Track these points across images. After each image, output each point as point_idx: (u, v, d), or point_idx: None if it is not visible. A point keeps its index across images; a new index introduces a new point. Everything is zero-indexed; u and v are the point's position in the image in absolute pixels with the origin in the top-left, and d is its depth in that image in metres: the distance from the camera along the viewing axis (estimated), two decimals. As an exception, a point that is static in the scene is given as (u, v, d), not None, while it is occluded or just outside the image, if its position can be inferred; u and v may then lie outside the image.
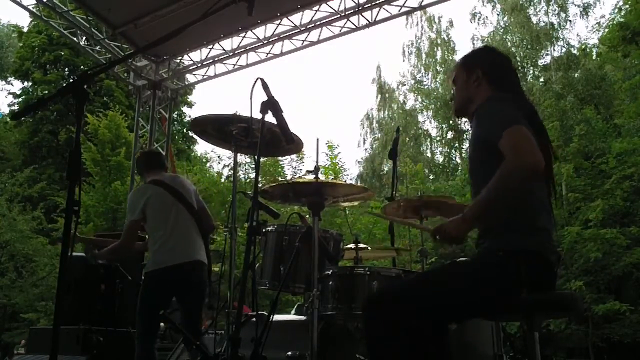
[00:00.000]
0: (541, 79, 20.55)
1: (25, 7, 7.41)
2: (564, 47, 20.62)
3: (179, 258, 3.34)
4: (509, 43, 21.94)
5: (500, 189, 1.87)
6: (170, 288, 3.39)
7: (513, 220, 1.99)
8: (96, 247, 3.71)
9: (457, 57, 21.65)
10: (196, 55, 8.56)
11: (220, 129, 2.88)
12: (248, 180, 18.31)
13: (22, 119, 22.22)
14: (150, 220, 3.43)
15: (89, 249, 3.68)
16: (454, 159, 23.78)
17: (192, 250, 3.42)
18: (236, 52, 8.23)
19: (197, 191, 3.76)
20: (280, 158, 18.58)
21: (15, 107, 24.69)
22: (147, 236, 3.63)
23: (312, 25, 7.64)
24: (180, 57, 8.67)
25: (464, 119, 2.63)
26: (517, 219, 2.00)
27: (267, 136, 2.51)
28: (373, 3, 7.18)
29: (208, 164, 24.41)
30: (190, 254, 3.39)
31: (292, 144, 2.56)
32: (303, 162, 18.36)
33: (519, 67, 21.98)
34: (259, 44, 8.05)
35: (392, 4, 7.17)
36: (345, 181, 18.73)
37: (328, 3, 7.37)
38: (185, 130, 24.40)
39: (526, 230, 1.98)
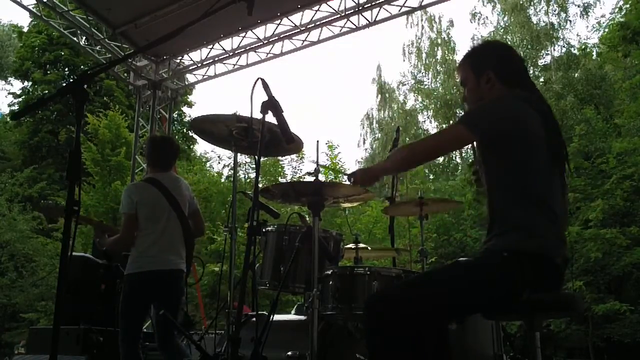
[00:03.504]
0: (541, 79, 20.53)
1: (25, 7, 7.41)
2: (564, 47, 20.64)
3: (161, 265, 3.35)
4: (509, 43, 21.92)
5: (399, 161, 2.24)
6: (149, 293, 3.38)
7: (519, 219, 1.97)
8: (106, 233, 3.66)
9: (458, 57, 21.65)
10: (196, 55, 8.56)
11: (221, 128, 2.88)
12: (248, 180, 18.31)
13: (22, 119, 22.23)
14: (141, 219, 3.41)
15: (98, 233, 3.63)
16: (454, 159, 23.76)
17: (175, 258, 3.42)
18: (236, 52, 8.23)
19: (193, 196, 3.73)
20: (280, 158, 18.58)
21: (15, 107, 24.67)
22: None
23: (312, 25, 7.64)
24: (180, 57, 8.67)
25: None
26: (523, 218, 1.97)
27: (267, 136, 2.51)
28: (373, 3, 7.17)
29: (208, 164, 24.39)
30: (172, 263, 3.39)
31: (293, 144, 2.56)
32: (303, 162, 18.38)
33: (519, 67, 22.01)
34: (259, 44, 8.04)
35: (392, 3, 7.16)
36: (346, 181, 18.74)
37: (328, 3, 7.36)
38: (185, 130, 24.39)
39: (533, 231, 1.95)
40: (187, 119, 25.48)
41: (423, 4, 7.14)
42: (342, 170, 19.11)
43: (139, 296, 3.38)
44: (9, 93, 31.48)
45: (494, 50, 2.32)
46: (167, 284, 3.37)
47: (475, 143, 2.17)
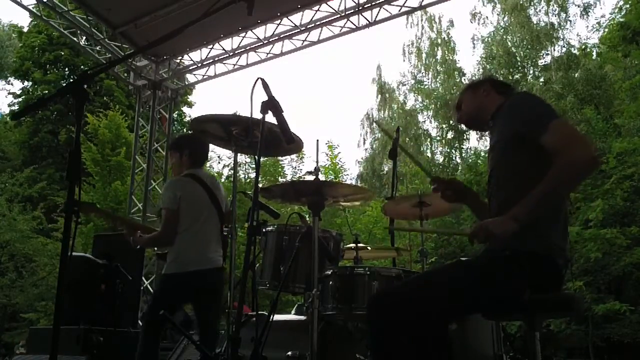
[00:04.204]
0: (541, 79, 20.54)
1: (25, 7, 7.41)
2: (564, 47, 20.64)
3: (203, 264, 3.28)
4: (509, 43, 21.94)
5: (559, 182, 1.80)
6: (190, 293, 3.33)
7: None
8: (137, 230, 3.56)
9: (458, 57, 21.70)
10: (196, 55, 8.57)
11: (221, 129, 2.87)
12: (248, 180, 18.31)
13: (22, 119, 22.22)
14: (183, 216, 3.32)
15: (130, 231, 3.52)
16: (454, 159, 23.76)
17: (215, 256, 3.37)
18: (236, 52, 8.23)
19: (226, 195, 3.67)
20: (280, 158, 18.58)
21: (15, 107, 24.66)
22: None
23: (312, 25, 7.65)
24: (180, 57, 8.67)
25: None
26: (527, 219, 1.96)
27: (268, 136, 2.51)
28: (373, 3, 7.18)
29: (208, 164, 24.40)
30: (213, 261, 3.34)
31: (293, 144, 2.56)
32: (303, 162, 18.40)
33: (519, 67, 22.01)
34: (259, 44, 8.05)
35: (392, 4, 7.17)
36: (345, 181, 18.77)
37: (328, 3, 7.37)
38: (185, 130, 24.38)
39: (535, 231, 1.94)
40: (187, 119, 25.48)
41: (423, 4, 7.15)
42: (342, 170, 19.12)
43: (177, 296, 3.34)
44: (9, 93, 31.45)
45: (487, 75, 2.62)
46: (210, 283, 3.31)
47: (506, 140, 2.10)
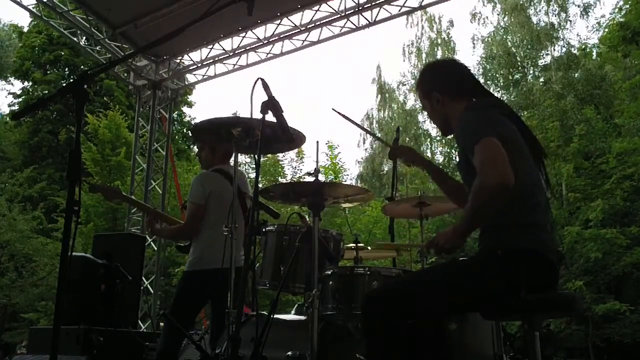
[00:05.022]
0: (541, 79, 20.54)
1: (25, 7, 7.41)
2: (564, 47, 20.64)
3: (227, 262, 3.25)
4: (509, 43, 21.94)
5: (475, 207, 1.90)
6: (211, 291, 3.25)
7: (511, 218, 1.99)
8: (161, 220, 3.50)
9: (458, 57, 21.65)
10: (196, 55, 8.57)
11: (220, 132, 2.87)
12: (248, 180, 18.30)
13: (22, 119, 22.23)
14: (210, 211, 3.25)
15: (151, 220, 3.45)
16: (454, 158, 23.75)
17: (238, 255, 3.22)
18: (236, 52, 8.23)
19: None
20: (280, 158, 18.59)
21: (15, 107, 24.69)
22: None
23: (312, 25, 7.64)
24: (180, 57, 8.67)
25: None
26: (515, 217, 1.99)
27: (268, 132, 2.50)
28: (373, 3, 7.18)
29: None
30: (238, 259, 3.20)
31: (293, 143, 2.56)
32: (303, 162, 18.39)
33: (519, 67, 22.01)
34: (259, 44, 8.05)
35: (392, 4, 7.17)
36: (345, 181, 18.77)
37: (328, 3, 7.37)
38: (185, 130, 24.39)
39: (525, 228, 1.98)
40: (187, 119, 25.49)
41: (423, 4, 7.14)
42: (342, 170, 19.12)
43: (200, 294, 3.27)
44: (9, 93, 31.50)
45: (431, 71, 2.42)
46: (234, 282, 3.28)
47: (460, 154, 2.15)
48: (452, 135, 2.37)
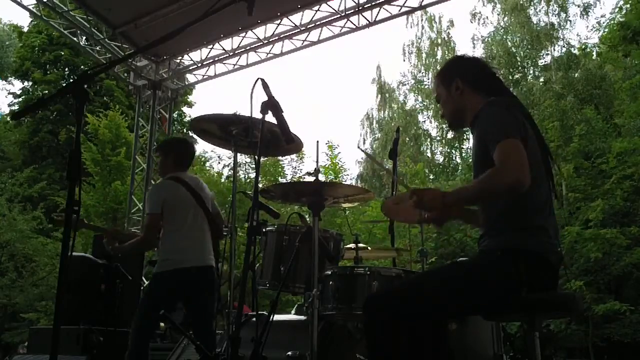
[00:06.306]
0: (541, 79, 20.53)
1: (25, 7, 7.42)
2: (564, 47, 20.63)
3: (190, 261, 3.32)
4: (509, 43, 21.93)
5: (483, 188, 1.94)
6: (178, 291, 3.37)
7: (512, 219, 2.00)
8: (117, 239, 3.61)
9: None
10: (196, 55, 8.57)
11: (221, 128, 2.87)
12: (248, 180, 18.29)
13: (22, 119, 22.21)
14: (167, 217, 3.38)
15: (110, 240, 3.56)
16: (454, 158, 23.78)
17: (204, 254, 3.40)
18: (236, 52, 8.24)
19: (214, 196, 3.73)
20: (280, 158, 18.57)
21: (15, 107, 24.66)
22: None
23: (312, 25, 7.65)
24: (180, 57, 8.68)
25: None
26: (516, 218, 2.00)
27: (267, 136, 2.51)
28: (373, 3, 7.18)
29: (208, 164, 24.40)
30: (201, 259, 3.37)
31: (292, 144, 2.56)
32: (303, 162, 18.37)
33: (519, 67, 22.00)
34: (259, 44, 8.05)
35: (392, 4, 7.17)
36: (345, 181, 18.77)
37: (328, 3, 7.37)
38: (185, 130, 24.37)
39: (525, 229, 1.99)
40: (187, 119, 25.47)
41: (423, 4, 7.15)
42: (342, 170, 19.13)
43: (165, 294, 3.36)
44: (9, 93, 31.47)
45: (458, 60, 2.44)
46: (197, 280, 3.34)
47: (479, 146, 2.12)
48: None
